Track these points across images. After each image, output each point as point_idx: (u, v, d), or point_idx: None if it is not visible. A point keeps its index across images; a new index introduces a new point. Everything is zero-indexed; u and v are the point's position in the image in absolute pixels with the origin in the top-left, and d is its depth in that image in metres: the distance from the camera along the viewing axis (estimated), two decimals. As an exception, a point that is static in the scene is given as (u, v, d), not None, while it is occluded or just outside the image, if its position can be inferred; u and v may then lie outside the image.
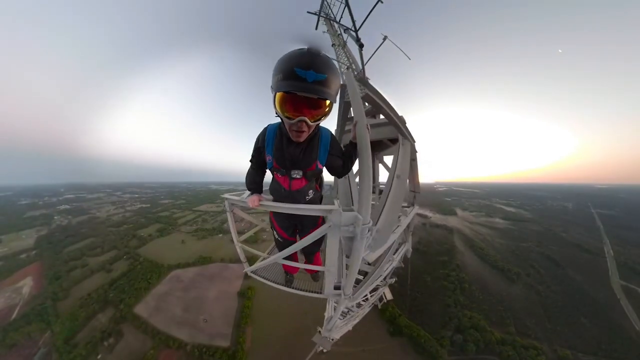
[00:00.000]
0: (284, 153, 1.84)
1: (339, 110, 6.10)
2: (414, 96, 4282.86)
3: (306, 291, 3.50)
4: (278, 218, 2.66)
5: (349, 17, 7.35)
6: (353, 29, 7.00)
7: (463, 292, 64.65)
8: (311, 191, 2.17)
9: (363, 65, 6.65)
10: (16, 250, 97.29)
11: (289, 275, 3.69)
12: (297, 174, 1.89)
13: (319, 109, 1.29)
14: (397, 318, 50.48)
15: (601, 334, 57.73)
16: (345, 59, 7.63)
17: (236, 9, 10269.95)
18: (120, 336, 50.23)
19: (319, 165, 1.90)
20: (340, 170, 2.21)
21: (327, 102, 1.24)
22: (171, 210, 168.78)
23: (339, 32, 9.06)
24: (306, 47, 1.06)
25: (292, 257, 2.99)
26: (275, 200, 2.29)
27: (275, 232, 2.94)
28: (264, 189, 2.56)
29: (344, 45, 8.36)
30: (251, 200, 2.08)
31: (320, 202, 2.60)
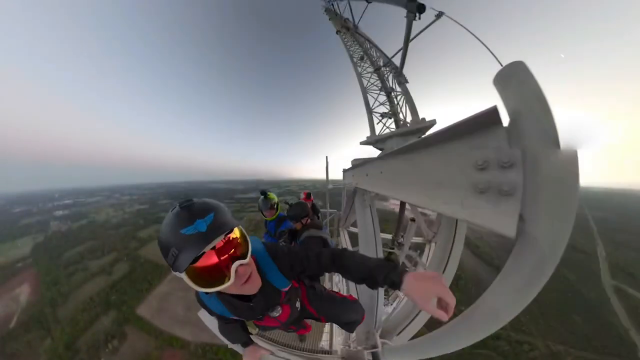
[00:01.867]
0: (247, 310, 1.27)
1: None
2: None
3: (314, 352, 2.19)
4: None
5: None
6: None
7: (458, 288, 66.04)
8: (298, 302, 1.58)
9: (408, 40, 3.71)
10: (12, 259, 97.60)
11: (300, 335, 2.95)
12: (277, 311, 1.37)
13: (235, 245, 0.99)
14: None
15: (592, 331, 59.52)
16: (357, 47, 5.94)
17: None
18: (124, 338, 50.94)
19: (284, 287, 1.31)
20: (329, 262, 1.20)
21: (237, 231, 0.97)
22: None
23: (344, 17, 7.59)
24: (176, 206, 0.86)
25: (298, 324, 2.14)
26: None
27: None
28: None
29: (352, 28, 6.75)
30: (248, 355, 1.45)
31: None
